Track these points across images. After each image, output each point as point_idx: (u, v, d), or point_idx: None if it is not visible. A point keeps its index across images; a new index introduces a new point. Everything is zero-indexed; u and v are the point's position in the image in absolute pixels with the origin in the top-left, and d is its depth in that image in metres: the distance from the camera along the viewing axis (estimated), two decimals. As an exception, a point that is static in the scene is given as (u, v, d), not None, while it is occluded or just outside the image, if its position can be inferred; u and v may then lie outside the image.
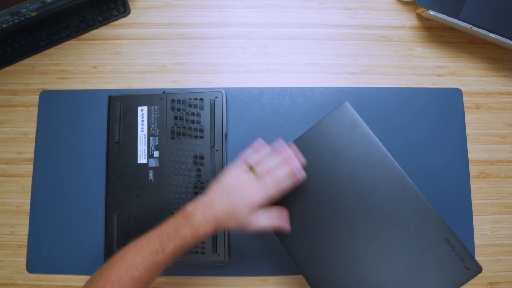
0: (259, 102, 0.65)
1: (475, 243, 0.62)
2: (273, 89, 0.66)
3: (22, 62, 0.67)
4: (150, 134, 0.62)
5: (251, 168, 0.47)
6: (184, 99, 0.63)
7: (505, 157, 0.65)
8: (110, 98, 0.63)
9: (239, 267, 0.60)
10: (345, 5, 0.69)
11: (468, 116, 0.66)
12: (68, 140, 0.64)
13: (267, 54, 0.67)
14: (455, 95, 0.66)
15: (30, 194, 0.63)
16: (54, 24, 0.66)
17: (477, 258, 0.62)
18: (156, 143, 0.62)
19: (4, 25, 0.61)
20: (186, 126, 0.62)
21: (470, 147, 0.65)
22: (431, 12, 0.63)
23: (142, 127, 0.62)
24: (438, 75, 0.67)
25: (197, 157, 0.61)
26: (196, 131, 0.62)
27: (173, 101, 0.62)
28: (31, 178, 0.63)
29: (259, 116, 0.65)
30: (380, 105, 0.65)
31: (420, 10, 0.67)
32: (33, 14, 0.61)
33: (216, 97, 0.62)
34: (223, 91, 0.63)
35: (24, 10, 0.59)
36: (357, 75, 0.67)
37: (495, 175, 0.65)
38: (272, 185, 0.45)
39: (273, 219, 0.46)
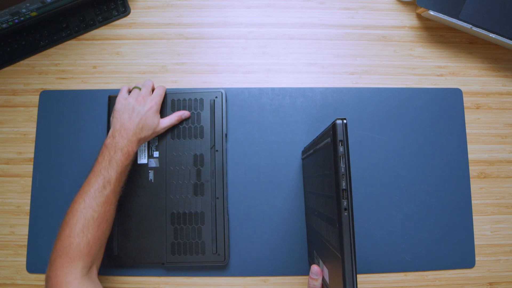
0: (259, 102, 0.65)
1: (475, 243, 0.62)
2: (273, 89, 0.66)
3: (22, 62, 0.67)
4: None
5: (136, 88, 0.60)
6: (184, 99, 0.63)
7: (505, 157, 0.65)
8: (110, 98, 0.63)
9: (239, 267, 0.60)
10: (345, 5, 0.69)
11: (468, 116, 0.66)
12: (68, 140, 0.64)
13: (267, 54, 0.67)
14: (455, 95, 0.66)
15: (30, 194, 0.63)
16: (54, 24, 0.66)
17: (477, 258, 0.62)
18: (156, 143, 0.62)
19: (4, 25, 0.61)
20: (186, 126, 0.62)
21: (470, 147, 0.65)
22: (431, 12, 0.63)
23: None
24: (438, 75, 0.67)
25: (197, 157, 0.61)
26: (196, 131, 0.62)
27: (173, 101, 0.62)
28: (31, 178, 0.63)
29: (259, 116, 0.65)
30: (380, 105, 0.65)
31: (420, 10, 0.67)
32: (33, 14, 0.61)
33: (216, 97, 0.62)
34: (223, 91, 0.63)
35: (24, 10, 0.59)
36: (357, 75, 0.67)
37: (495, 175, 0.65)
38: (155, 92, 0.59)
39: (173, 117, 0.60)
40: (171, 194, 0.60)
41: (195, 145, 0.61)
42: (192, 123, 0.62)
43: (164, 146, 0.62)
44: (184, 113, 0.61)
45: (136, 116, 0.56)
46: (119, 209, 0.60)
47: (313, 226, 0.55)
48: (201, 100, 0.63)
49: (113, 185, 0.51)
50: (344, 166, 0.37)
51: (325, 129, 0.43)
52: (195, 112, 0.62)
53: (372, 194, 0.62)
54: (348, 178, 0.37)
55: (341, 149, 0.37)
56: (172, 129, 0.62)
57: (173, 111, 0.62)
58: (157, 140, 0.62)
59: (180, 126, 0.62)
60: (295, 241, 0.61)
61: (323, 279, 0.46)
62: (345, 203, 0.37)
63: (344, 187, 0.37)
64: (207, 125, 0.62)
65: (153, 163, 0.61)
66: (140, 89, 0.60)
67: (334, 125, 0.38)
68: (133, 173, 0.61)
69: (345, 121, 0.37)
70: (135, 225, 0.60)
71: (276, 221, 0.62)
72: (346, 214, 0.37)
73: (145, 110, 0.57)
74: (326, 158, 0.42)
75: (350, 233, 0.37)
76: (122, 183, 0.54)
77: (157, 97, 0.59)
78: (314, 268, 0.47)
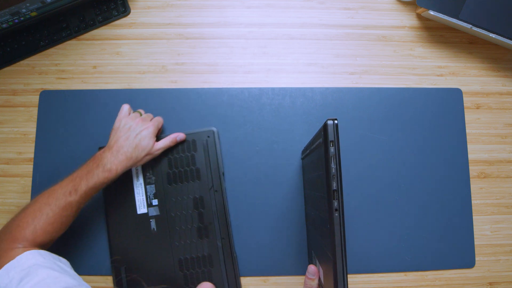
0: (259, 102, 0.65)
1: (475, 243, 0.62)
2: (273, 89, 0.66)
3: (22, 62, 0.67)
4: (146, 183, 0.61)
5: (138, 112, 0.60)
6: (175, 149, 0.61)
7: (505, 157, 0.65)
8: (100, 149, 0.61)
9: (239, 267, 0.60)
10: (345, 5, 0.69)
11: (468, 116, 0.66)
12: (68, 140, 0.64)
13: (267, 54, 0.67)
14: (455, 95, 0.66)
15: (30, 194, 0.62)
16: (54, 24, 0.66)
17: (477, 258, 0.62)
18: (154, 191, 0.61)
19: (4, 25, 0.61)
20: (182, 169, 0.61)
21: (470, 147, 0.65)
22: (431, 12, 0.63)
23: (138, 177, 0.61)
24: (438, 75, 0.67)
25: (197, 200, 0.60)
26: (192, 174, 0.61)
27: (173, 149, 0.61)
28: (31, 178, 0.63)
29: (259, 116, 0.65)
30: (380, 105, 0.65)
31: (420, 10, 0.67)
32: (33, 14, 0.61)
33: (209, 136, 0.61)
34: (214, 129, 0.62)
35: (24, 10, 0.59)
36: (357, 75, 0.67)
37: (495, 175, 0.65)
38: (154, 118, 0.60)
39: (168, 139, 0.59)
40: (175, 241, 0.59)
41: (193, 188, 0.60)
42: (188, 166, 0.61)
43: (162, 193, 0.60)
44: (179, 135, 0.60)
45: (131, 133, 0.55)
46: (126, 262, 0.59)
47: (311, 227, 0.55)
48: (194, 141, 0.61)
49: (78, 196, 0.50)
50: (335, 166, 0.37)
51: (318, 130, 0.43)
52: (189, 154, 0.61)
53: (372, 194, 0.62)
54: (339, 179, 0.37)
55: (332, 149, 0.37)
56: (168, 174, 0.61)
57: (166, 156, 0.61)
58: (154, 187, 0.61)
59: (176, 171, 0.61)
60: (295, 241, 0.61)
61: (319, 279, 0.46)
62: (336, 204, 0.37)
63: (335, 188, 0.37)
64: (203, 166, 0.61)
65: (153, 211, 0.60)
66: (141, 114, 0.60)
67: (325, 125, 0.38)
68: (135, 224, 0.60)
69: (336, 121, 0.37)
70: (144, 276, 0.58)
71: (276, 221, 0.62)
72: (337, 214, 0.37)
73: (141, 130, 0.56)
74: (319, 159, 0.42)
75: (341, 234, 0.37)
76: (90, 196, 0.52)
77: (156, 122, 0.59)
78: (311, 268, 0.47)
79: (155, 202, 0.60)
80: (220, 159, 0.61)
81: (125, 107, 0.59)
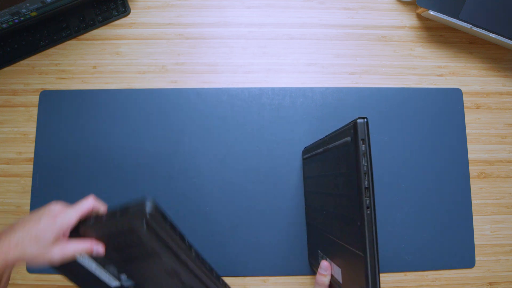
0: (259, 102, 0.65)
1: (475, 243, 0.62)
2: (273, 89, 0.66)
3: (22, 62, 0.67)
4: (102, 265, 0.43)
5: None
6: (109, 235, 0.40)
7: (505, 157, 0.65)
8: None
9: (239, 267, 0.60)
10: (345, 5, 0.69)
11: (468, 116, 0.66)
12: (68, 140, 0.64)
13: (267, 54, 0.67)
14: (455, 95, 0.66)
15: (30, 194, 0.63)
16: (54, 24, 0.66)
17: (477, 258, 0.62)
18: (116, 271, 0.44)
19: (4, 25, 0.61)
20: (134, 259, 0.42)
21: (470, 147, 0.65)
22: (431, 12, 0.63)
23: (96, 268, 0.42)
24: (438, 75, 0.67)
25: (173, 275, 0.43)
26: (146, 255, 0.40)
27: (103, 237, 0.40)
28: (31, 178, 0.63)
29: (259, 116, 0.65)
30: (380, 105, 0.65)
31: (420, 10, 0.67)
32: (33, 14, 0.61)
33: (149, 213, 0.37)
34: (147, 207, 0.36)
35: (24, 10, 0.59)
36: (357, 75, 0.67)
37: (495, 175, 0.65)
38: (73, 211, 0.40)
39: (79, 245, 0.39)
40: None
41: (160, 266, 0.42)
42: (141, 254, 0.41)
43: (137, 274, 0.44)
44: (94, 248, 0.39)
45: (36, 225, 0.40)
46: None
47: (317, 226, 0.55)
48: (130, 230, 0.38)
49: None
50: (366, 164, 0.37)
51: (340, 129, 0.43)
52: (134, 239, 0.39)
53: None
54: (370, 177, 0.37)
55: (363, 147, 0.37)
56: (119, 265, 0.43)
57: (107, 246, 0.41)
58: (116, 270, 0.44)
59: (129, 263, 0.43)
60: (295, 241, 0.61)
61: (332, 276, 0.46)
62: (367, 201, 0.37)
63: (366, 186, 0.37)
64: (155, 247, 0.39)
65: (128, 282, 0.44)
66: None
67: (355, 123, 0.38)
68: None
69: (366, 119, 0.38)
70: None
71: (276, 221, 0.62)
72: (368, 212, 0.37)
73: (50, 226, 0.39)
74: (342, 157, 0.42)
75: (373, 231, 0.37)
76: None
77: (66, 216, 0.40)
78: (324, 263, 0.47)
79: (124, 277, 0.44)
80: (178, 233, 0.40)
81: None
